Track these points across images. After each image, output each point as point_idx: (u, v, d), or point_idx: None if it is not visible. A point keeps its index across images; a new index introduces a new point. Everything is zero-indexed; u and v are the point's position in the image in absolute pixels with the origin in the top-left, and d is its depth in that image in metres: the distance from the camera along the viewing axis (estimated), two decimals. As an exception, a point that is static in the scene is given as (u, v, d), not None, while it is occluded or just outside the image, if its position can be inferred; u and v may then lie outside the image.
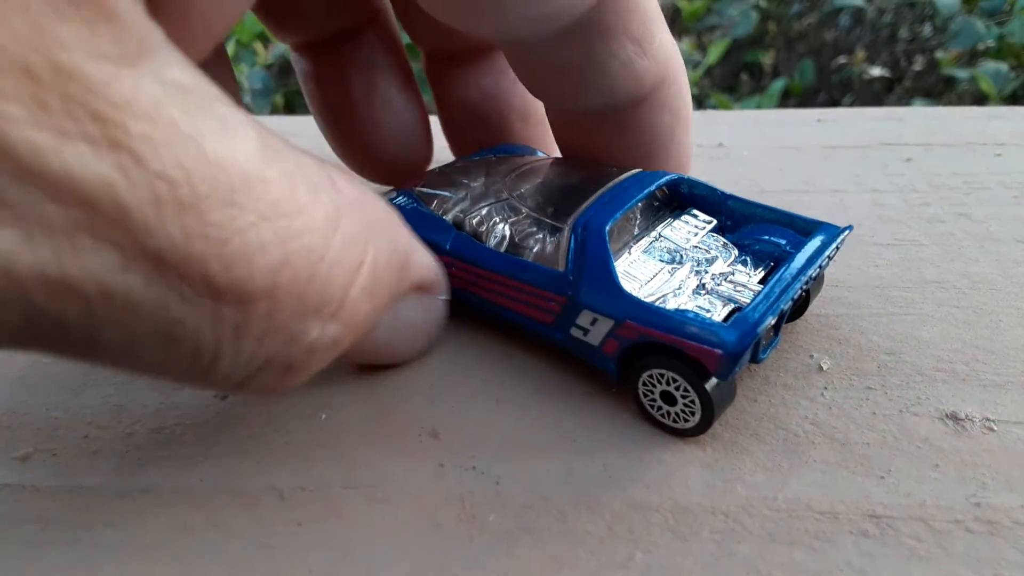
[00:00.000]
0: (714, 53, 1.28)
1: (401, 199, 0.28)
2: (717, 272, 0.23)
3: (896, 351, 0.24)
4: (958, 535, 0.18)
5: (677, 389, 0.21)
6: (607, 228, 0.22)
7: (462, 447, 0.22)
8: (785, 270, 0.21)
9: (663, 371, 0.21)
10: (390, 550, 0.19)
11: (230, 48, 1.18)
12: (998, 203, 0.32)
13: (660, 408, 0.22)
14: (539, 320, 0.24)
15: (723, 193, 0.25)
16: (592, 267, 0.22)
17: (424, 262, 0.22)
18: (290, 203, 0.16)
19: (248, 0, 0.18)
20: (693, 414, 0.21)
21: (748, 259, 0.24)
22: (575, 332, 0.23)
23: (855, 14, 1.47)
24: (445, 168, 0.30)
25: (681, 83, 0.27)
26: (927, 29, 1.42)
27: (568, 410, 0.23)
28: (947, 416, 0.22)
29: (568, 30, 0.23)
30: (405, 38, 0.34)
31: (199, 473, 0.21)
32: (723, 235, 0.25)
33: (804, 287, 0.21)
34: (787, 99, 1.29)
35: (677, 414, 0.21)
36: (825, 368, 0.24)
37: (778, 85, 1.22)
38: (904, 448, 0.21)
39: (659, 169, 0.26)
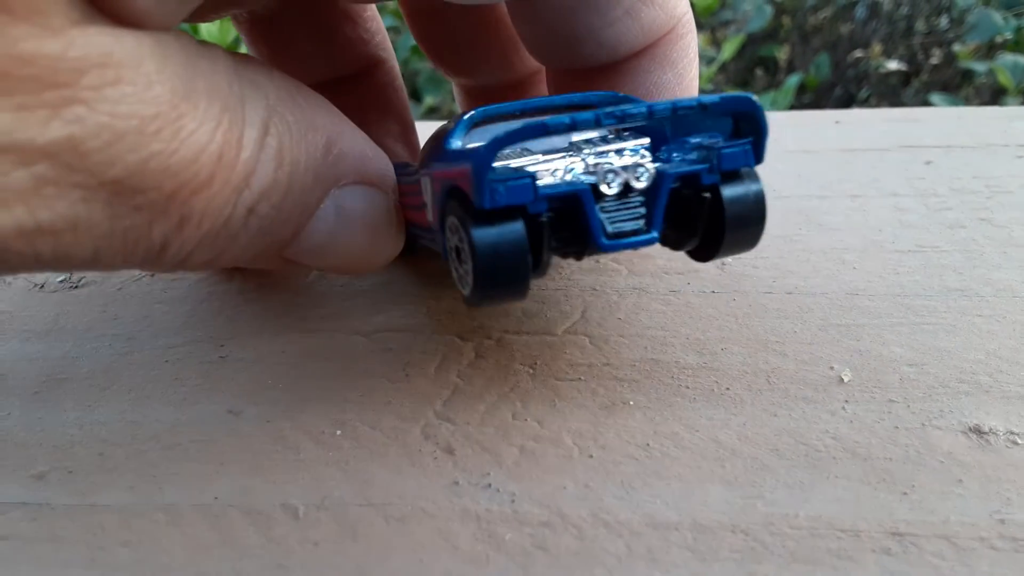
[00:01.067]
0: (728, 49, 1.27)
1: None
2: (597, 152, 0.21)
3: (918, 362, 0.24)
4: (983, 553, 0.18)
5: (460, 240, 0.19)
6: (476, 113, 0.22)
7: (477, 464, 0.21)
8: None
9: (448, 216, 0.20)
10: (407, 571, 0.19)
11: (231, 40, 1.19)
12: (1020, 207, 0.32)
13: (457, 270, 0.20)
14: (425, 226, 0.23)
15: (649, 106, 0.19)
16: (442, 142, 0.22)
17: (359, 151, 0.22)
18: (218, 101, 0.18)
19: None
20: (468, 272, 0.19)
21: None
22: (429, 216, 0.22)
23: (871, 7, 1.46)
24: None
25: (689, 41, 0.25)
26: (944, 21, 1.41)
27: (586, 425, 0.22)
28: (971, 429, 0.21)
29: None
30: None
31: (213, 491, 0.21)
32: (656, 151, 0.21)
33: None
34: (802, 94, 1.29)
35: (462, 275, 0.20)
36: (846, 380, 0.23)
37: (793, 80, 1.22)
38: (927, 463, 0.20)
39: None
